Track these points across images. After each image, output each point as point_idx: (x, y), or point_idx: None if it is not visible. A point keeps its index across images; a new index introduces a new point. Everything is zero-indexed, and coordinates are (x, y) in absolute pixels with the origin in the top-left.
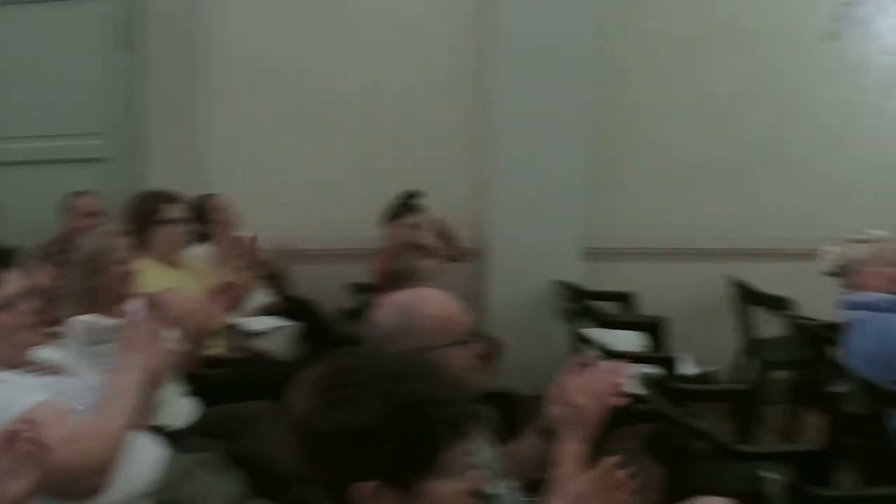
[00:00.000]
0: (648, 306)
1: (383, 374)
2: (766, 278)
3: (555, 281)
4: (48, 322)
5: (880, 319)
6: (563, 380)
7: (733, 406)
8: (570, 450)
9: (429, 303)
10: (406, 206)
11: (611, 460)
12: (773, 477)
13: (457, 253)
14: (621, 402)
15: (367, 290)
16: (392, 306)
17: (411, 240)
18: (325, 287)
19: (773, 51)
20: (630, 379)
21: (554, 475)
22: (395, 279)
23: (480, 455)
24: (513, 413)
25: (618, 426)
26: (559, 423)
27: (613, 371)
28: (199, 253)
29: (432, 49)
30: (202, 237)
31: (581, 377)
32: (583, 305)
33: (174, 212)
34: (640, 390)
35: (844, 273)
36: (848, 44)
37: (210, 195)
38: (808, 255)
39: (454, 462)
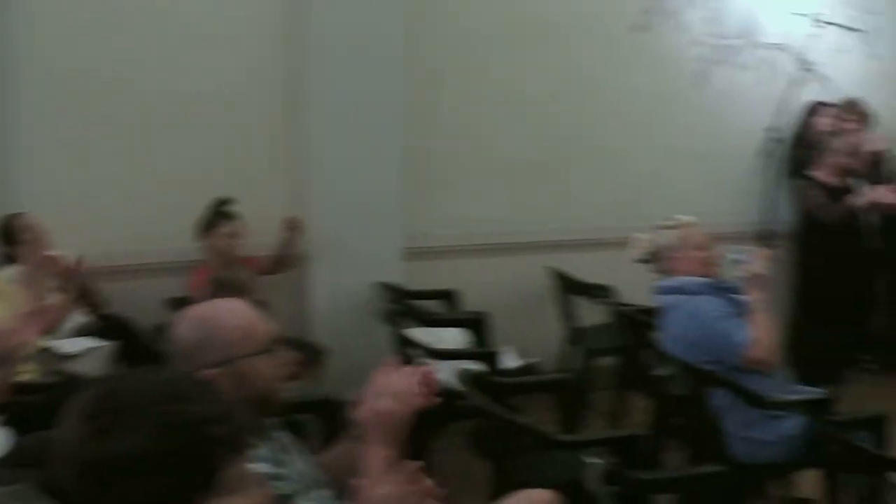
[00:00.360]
0: (472, 303)
1: (151, 397)
2: (585, 268)
3: (377, 283)
4: None
5: (692, 302)
6: (369, 384)
7: (557, 395)
8: (377, 454)
9: (229, 313)
10: (220, 214)
11: (414, 464)
12: (596, 463)
13: (297, 255)
14: (429, 402)
15: (185, 304)
16: (191, 319)
17: (228, 249)
18: (143, 303)
19: (585, 44)
20: (440, 378)
21: (360, 480)
22: (215, 291)
23: (292, 466)
24: (335, 420)
25: (441, 424)
26: (365, 427)
27: (419, 373)
28: (7, 275)
29: (243, 53)
30: (10, 259)
31: (385, 380)
32: (406, 306)
33: None
34: (461, 387)
35: (656, 259)
36: (658, 35)
37: (17, 214)
38: (625, 242)
39: (236, 479)
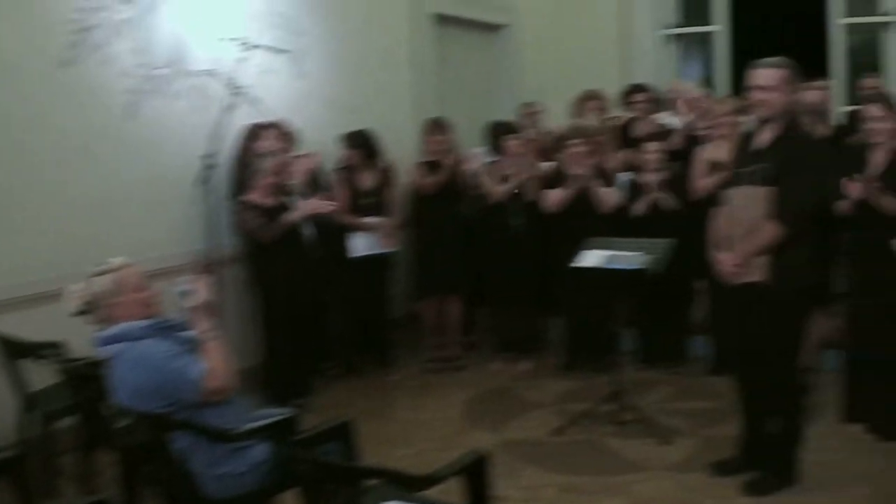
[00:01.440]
0: None
1: None
2: (32, 326)
3: None
4: None
5: (136, 349)
6: None
7: (12, 475)
8: None
9: None
10: None
11: None
12: None
13: None
14: None
15: None
16: None
17: None
18: None
19: (10, 84)
20: None
21: None
22: None
23: None
24: None
25: None
26: None
27: None
28: None
29: None
30: None
31: None
32: None
33: None
34: None
35: (94, 309)
36: (86, 69)
37: None
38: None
39: None
